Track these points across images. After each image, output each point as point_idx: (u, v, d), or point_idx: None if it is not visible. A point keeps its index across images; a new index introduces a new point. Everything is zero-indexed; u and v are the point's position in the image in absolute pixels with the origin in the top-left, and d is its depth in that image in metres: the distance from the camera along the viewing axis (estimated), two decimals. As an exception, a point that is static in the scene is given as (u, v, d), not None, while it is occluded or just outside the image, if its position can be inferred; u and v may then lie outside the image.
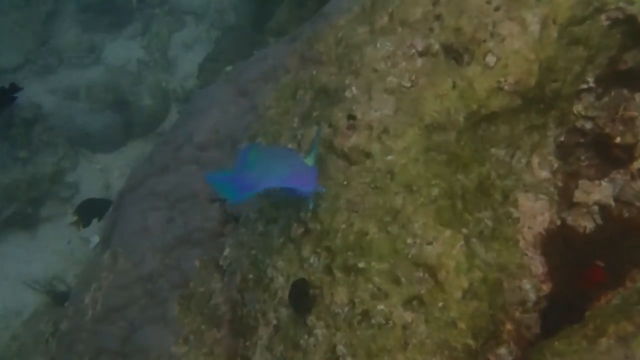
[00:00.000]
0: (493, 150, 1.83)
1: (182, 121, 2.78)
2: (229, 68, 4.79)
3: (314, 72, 2.09)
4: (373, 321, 1.61)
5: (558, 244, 1.84)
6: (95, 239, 5.14)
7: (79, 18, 6.76)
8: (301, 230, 1.81)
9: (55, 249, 5.27)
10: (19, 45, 6.47)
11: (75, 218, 3.40)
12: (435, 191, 1.70)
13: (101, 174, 5.78)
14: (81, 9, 6.77)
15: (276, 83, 2.30)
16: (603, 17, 1.83)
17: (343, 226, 1.72)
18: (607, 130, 1.89)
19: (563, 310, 1.71)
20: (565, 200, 1.89)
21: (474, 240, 1.69)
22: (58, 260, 5.22)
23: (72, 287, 4.40)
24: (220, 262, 2.10)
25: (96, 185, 5.68)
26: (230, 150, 2.34)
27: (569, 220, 1.86)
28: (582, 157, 1.91)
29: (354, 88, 1.85)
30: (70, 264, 5.19)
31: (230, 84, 2.68)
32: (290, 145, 1.98)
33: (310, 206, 1.74)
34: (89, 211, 3.42)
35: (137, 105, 6.04)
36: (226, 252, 2.11)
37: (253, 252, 1.96)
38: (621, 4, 1.81)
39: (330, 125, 1.84)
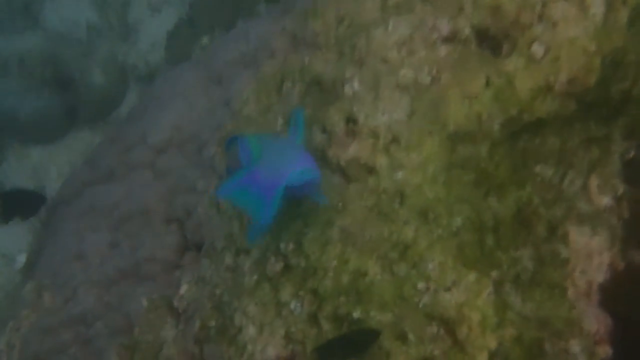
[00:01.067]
0: (537, 168, 1.85)
1: (136, 113, 2.82)
2: (205, 39, 4.84)
3: (307, 59, 2.12)
4: (369, 392, 1.63)
5: (621, 293, 1.86)
6: (22, 258, 5.19)
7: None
8: (280, 265, 1.83)
9: (-30, 271, 5.33)
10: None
11: None
12: (457, 221, 1.72)
13: (33, 173, 5.82)
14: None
15: (257, 70, 2.33)
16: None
17: (335, 263, 1.74)
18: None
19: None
20: (633, 235, 1.90)
21: (507, 286, 1.71)
22: (-27, 286, 5.27)
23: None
24: (175, 303, 2.13)
25: (27, 185, 5.73)
26: (194, 155, 2.37)
27: (638, 261, 1.87)
28: (657, 181, 1.93)
29: (356, 82, 1.88)
30: (-11, 290, 5.24)
31: (201, 67, 2.72)
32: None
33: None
34: (14, 203, 3.43)
35: (84, 83, 6.08)
36: (183, 289, 2.13)
37: (217, 291, 1.99)
38: None
39: (323, 130, 1.87)
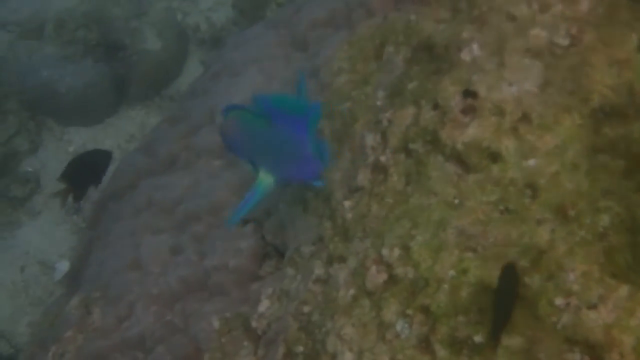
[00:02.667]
0: None
1: (200, 87, 2.88)
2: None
3: (413, 17, 2.14)
4: None
5: None
6: (64, 266, 5.35)
7: None
8: (383, 276, 1.86)
9: (1, 280, 5.51)
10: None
11: (62, 187, 3.51)
12: (604, 220, 1.72)
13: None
14: None
15: (351, 31, 2.36)
16: None
17: (451, 273, 1.76)
18: None
19: None
20: None
21: (670, 303, 1.70)
22: (3, 299, 5.45)
23: (22, 349, 4.59)
24: (253, 323, 2.18)
25: (67, 177, 5.89)
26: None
27: None
28: None
29: (475, 46, 1.89)
30: (23, 305, 5.41)
31: (280, 29, 2.77)
32: (370, 137, 2.04)
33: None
34: (86, 173, 3.51)
35: (136, 50, 6.21)
36: (262, 306, 2.18)
37: (305, 309, 2.02)
38: None
39: (435, 106, 1.89)
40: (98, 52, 6.15)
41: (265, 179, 2.00)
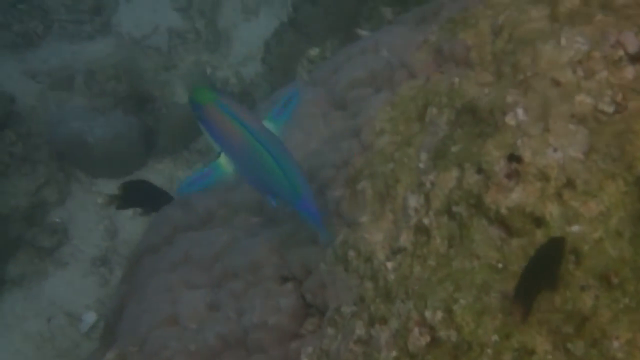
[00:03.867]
0: None
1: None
2: (315, 51, 4.92)
3: (457, 80, 2.16)
4: None
5: None
6: (90, 318, 5.36)
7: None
8: (426, 339, 1.86)
9: (28, 330, 5.51)
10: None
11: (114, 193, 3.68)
12: (649, 287, 1.72)
13: (104, 211, 6.00)
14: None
15: (393, 92, 2.39)
16: None
17: (494, 337, 1.77)
18: None
19: None
20: None
21: None
22: (29, 350, 5.45)
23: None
24: (293, 386, 2.18)
25: (95, 229, 5.91)
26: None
27: None
28: None
29: (520, 110, 1.91)
30: (50, 356, 5.41)
31: (318, 88, 2.79)
32: (413, 199, 2.06)
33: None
34: (138, 194, 3.67)
35: (165, 102, 6.26)
36: (302, 367, 2.19)
37: (346, 371, 2.03)
38: None
39: (479, 170, 1.90)
40: (127, 104, 6.22)
41: (225, 167, 2.11)
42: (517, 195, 1.85)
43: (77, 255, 5.76)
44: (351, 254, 2.22)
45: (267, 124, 2.12)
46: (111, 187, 6.00)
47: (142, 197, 3.76)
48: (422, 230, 2.04)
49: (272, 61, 5.72)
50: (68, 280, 5.66)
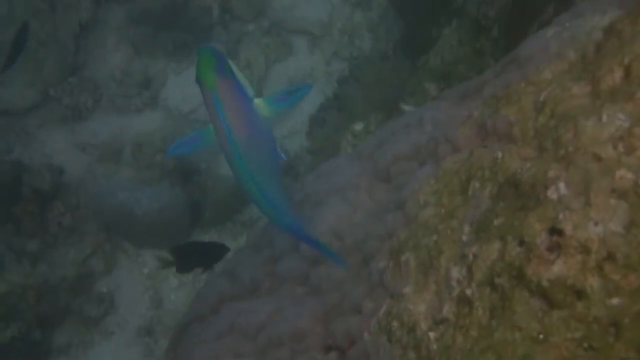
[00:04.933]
0: None
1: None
2: (359, 125, 4.98)
3: (499, 154, 2.19)
4: None
5: None
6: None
7: (130, 34, 7.18)
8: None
9: (73, 399, 5.56)
10: (37, 72, 6.93)
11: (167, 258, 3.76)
12: (692, 361, 1.73)
13: (150, 282, 6.05)
14: (133, 19, 7.20)
15: (437, 166, 2.42)
16: None
17: (535, 412, 1.78)
18: None
19: None
20: None
21: None
22: (73, 416, 5.50)
23: None
24: None
25: (141, 299, 5.96)
26: (358, 269, 2.47)
27: None
28: None
29: (562, 184, 1.93)
30: None
31: (363, 160, 2.84)
32: (455, 271, 2.08)
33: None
34: (192, 253, 3.75)
35: (211, 175, 6.33)
36: None
37: None
38: None
39: (521, 243, 1.93)
40: (174, 176, 6.29)
41: (213, 137, 2.24)
42: (558, 268, 1.86)
43: (122, 325, 5.82)
44: (394, 324, 2.24)
45: (263, 104, 2.26)
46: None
47: (197, 255, 3.82)
48: (464, 301, 2.06)
49: (317, 136, 5.77)
50: (113, 350, 5.71)
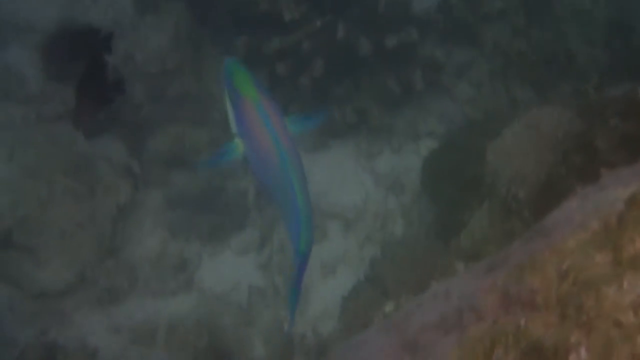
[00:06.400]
0: None
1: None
2: (389, 307, 4.99)
3: (523, 321, 2.20)
4: None
5: None
6: None
7: (166, 217, 7.32)
8: None
9: None
10: (74, 255, 7.01)
11: None
12: None
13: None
14: (170, 203, 7.35)
15: (462, 334, 2.43)
16: None
17: None
18: None
19: None
20: None
21: None
22: None
23: None
24: None
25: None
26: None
27: None
28: None
29: (583, 350, 1.94)
30: None
31: (392, 333, 2.85)
32: None
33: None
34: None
35: (243, 357, 6.32)
36: None
37: None
38: None
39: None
40: (206, 357, 6.29)
41: (238, 149, 2.28)
42: None
43: None
44: None
45: (289, 122, 2.35)
46: None
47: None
48: None
49: (349, 317, 5.80)
50: None
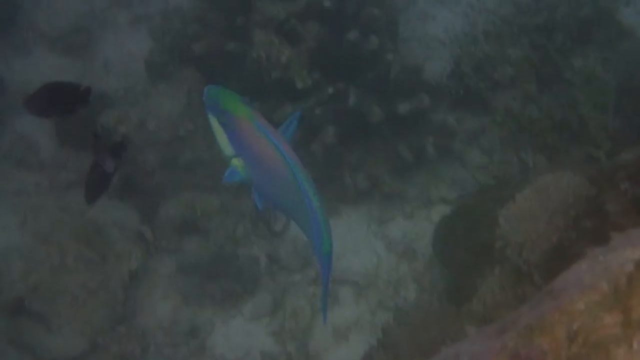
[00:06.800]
0: None
1: None
2: (401, 368, 4.98)
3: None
4: None
5: None
6: None
7: (179, 283, 7.32)
8: None
9: None
10: (85, 321, 6.99)
11: None
12: None
13: None
14: (183, 269, 7.35)
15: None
16: None
17: None
18: None
19: None
20: None
21: None
22: None
23: None
24: None
25: None
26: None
27: None
28: None
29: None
30: None
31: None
32: None
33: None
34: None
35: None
36: None
37: None
38: None
39: None
40: None
41: (240, 167, 2.28)
42: None
43: None
44: None
45: None
46: None
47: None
48: None
49: (360, 384, 5.77)
50: None
